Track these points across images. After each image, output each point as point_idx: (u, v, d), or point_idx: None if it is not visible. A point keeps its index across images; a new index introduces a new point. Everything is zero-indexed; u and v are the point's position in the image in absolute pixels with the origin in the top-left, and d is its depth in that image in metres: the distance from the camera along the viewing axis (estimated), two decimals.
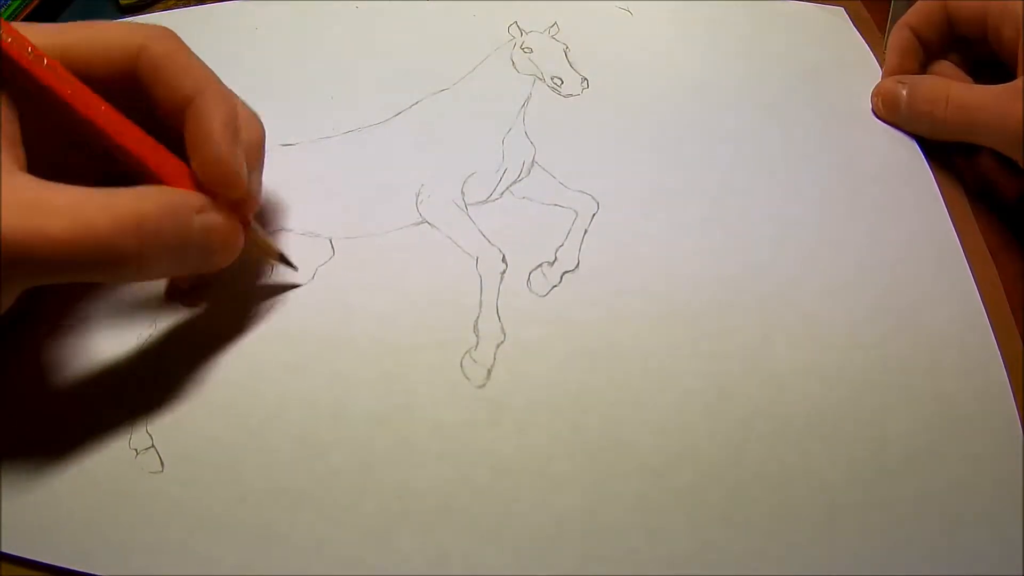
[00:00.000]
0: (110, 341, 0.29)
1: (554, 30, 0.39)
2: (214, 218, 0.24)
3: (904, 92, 0.34)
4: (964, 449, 0.26)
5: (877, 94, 0.35)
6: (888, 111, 0.35)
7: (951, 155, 0.34)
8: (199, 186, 0.24)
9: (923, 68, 0.36)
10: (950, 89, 0.32)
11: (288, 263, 0.30)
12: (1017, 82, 0.29)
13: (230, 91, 0.26)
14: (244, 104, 0.27)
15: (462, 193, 0.33)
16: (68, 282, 0.22)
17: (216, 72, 0.39)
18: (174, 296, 0.29)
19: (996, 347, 0.28)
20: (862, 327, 0.29)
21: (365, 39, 0.40)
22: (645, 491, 0.25)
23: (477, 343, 0.29)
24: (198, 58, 0.26)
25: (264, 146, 0.28)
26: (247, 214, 0.27)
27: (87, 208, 0.21)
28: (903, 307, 0.29)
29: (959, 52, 0.35)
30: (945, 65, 0.35)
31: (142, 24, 0.25)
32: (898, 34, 0.36)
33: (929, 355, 0.28)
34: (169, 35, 0.25)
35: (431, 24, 0.41)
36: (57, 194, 0.21)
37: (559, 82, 0.37)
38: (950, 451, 0.26)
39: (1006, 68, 0.31)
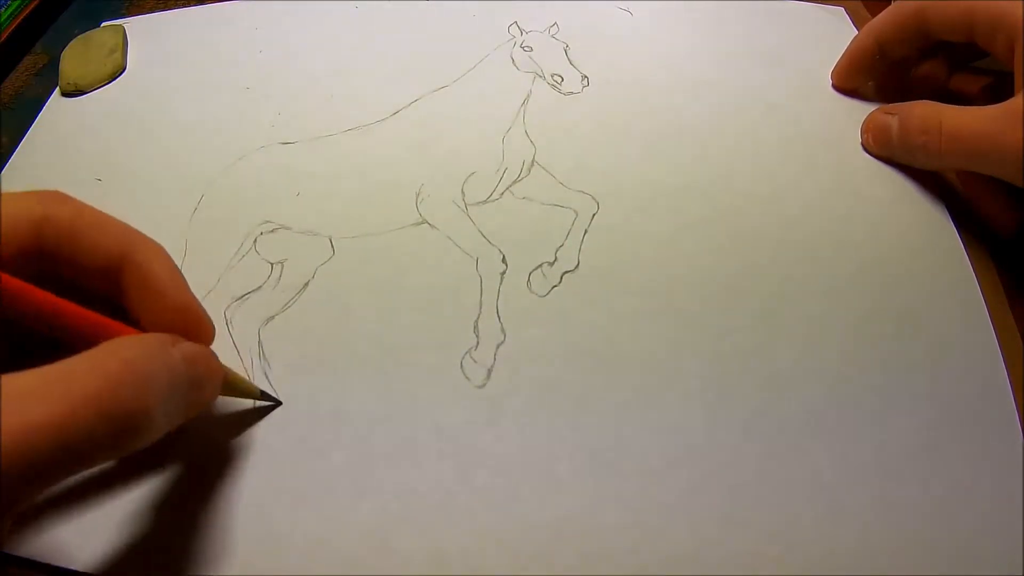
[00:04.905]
0: None
1: (554, 30, 0.39)
2: (189, 346, 0.22)
3: (895, 123, 0.31)
4: (964, 449, 0.26)
5: (867, 129, 0.33)
6: (880, 146, 0.33)
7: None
8: None
9: (878, 81, 0.35)
10: (943, 116, 0.29)
11: (271, 399, 0.27)
12: (1016, 103, 0.27)
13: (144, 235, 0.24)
14: None
15: (462, 193, 0.33)
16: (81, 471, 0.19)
17: (216, 72, 0.40)
18: None
19: (997, 347, 0.28)
20: (862, 327, 0.29)
21: (365, 39, 0.40)
22: (645, 491, 0.25)
23: (477, 343, 0.29)
24: (102, 212, 0.24)
25: None
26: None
27: (68, 375, 0.18)
28: (903, 307, 0.29)
29: (934, 57, 0.34)
30: (930, 66, 0.34)
31: (34, 192, 0.23)
32: (860, 42, 0.34)
33: (929, 355, 0.28)
34: (66, 197, 0.23)
35: (431, 23, 0.41)
36: (23, 378, 0.17)
37: (559, 79, 0.37)
38: (950, 451, 0.26)
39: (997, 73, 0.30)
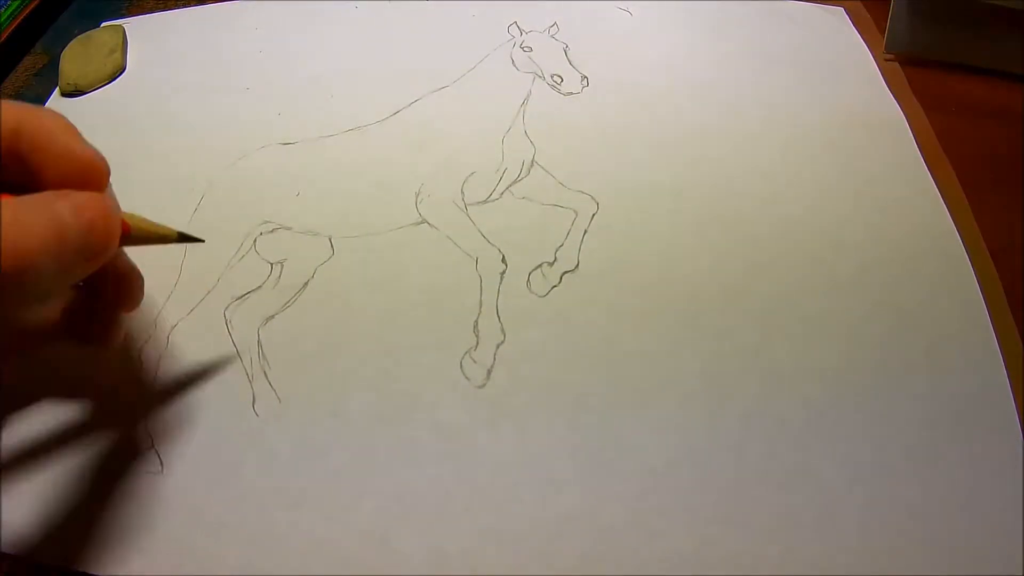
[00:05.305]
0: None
1: (554, 30, 0.39)
2: (78, 195, 0.21)
3: None
4: (964, 449, 0.26)
5: None
6: None
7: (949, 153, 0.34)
8: None
9: None
10: None
11: (191, 238, 0.25)
12: None
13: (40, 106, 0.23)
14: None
15: (462, 193, 0.33)
16: None
17: (216, 72, 0.40)
18: (86, 337, 0.26)
19: (997, 347, 0.28)
20: (862, 327, 0.29)
21: (365, 39, 0.40)
22: (645, 491, 0.25)
23: (477, 343, 0.29)
24: None
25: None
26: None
27: None
28: (904, 307, 0.29)
29: None
30: None
31: None
32: None
33: (929, 355, 0.28)
34: None
35: (431, 24, 0.41)
36: None
37: (559, 80, 0.37)
38: (950, 451, 0.26)
39: None
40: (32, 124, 0.23)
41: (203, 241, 0.26)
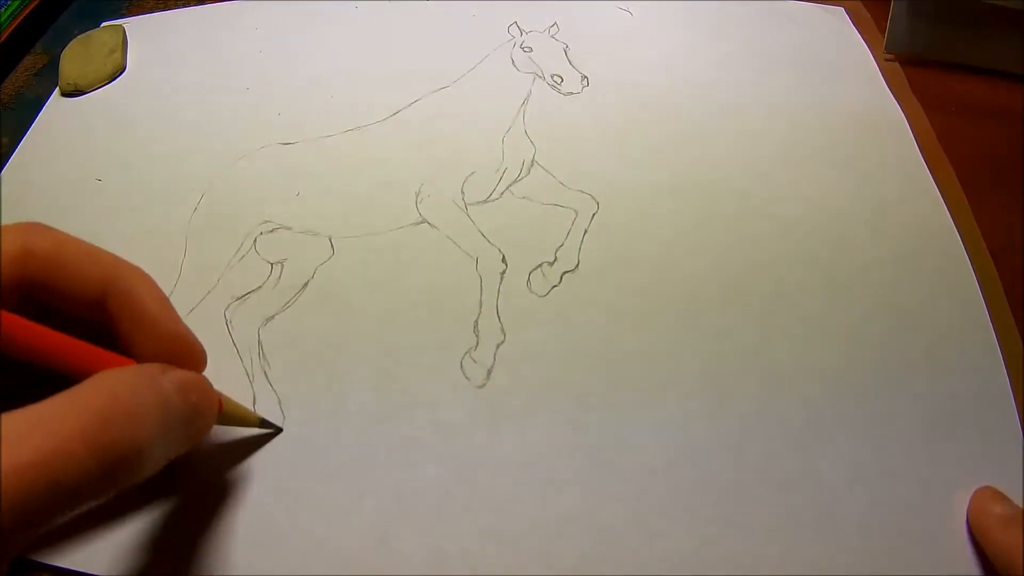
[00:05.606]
0: None
1: (554, 30, 0.40)
2: (182, 374, 0.21)
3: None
4: (964, 449, 0.26)
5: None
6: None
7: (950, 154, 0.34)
8: None
9: None
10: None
11: (270, 425, 0.27)
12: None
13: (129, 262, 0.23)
14: None
15: (462, 192, 0.33)
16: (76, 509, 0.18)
17: (216, 72, 0.40)
18: None
19: (997, 347, 0.28)
20: (862, 327, 0.29)
21: (365, 39, 0.40)
22: (645, 491, 0.25)
23: (477, 343, 0.29)
24: (84, 241, 0.22)
25: None
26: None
27: (55, 413, 0.17)
28: (904, 307, 0.29)
29: None
30: None
31: (15, 225, 0.22)
32: None
33: (929, 355, 0.28)
34: (47, 228, 0.22)
35: (431, 24, 0.41)
36: (10, 418, 0.17)
37: (559, 80, 0.37)
38: (950, 451, 0.26)
39: None
40: (123, 287, 0.22)
41: (281, 430, 0.27)
